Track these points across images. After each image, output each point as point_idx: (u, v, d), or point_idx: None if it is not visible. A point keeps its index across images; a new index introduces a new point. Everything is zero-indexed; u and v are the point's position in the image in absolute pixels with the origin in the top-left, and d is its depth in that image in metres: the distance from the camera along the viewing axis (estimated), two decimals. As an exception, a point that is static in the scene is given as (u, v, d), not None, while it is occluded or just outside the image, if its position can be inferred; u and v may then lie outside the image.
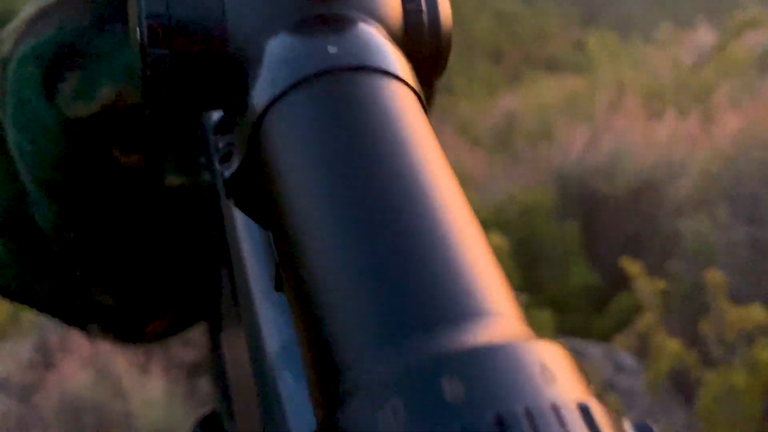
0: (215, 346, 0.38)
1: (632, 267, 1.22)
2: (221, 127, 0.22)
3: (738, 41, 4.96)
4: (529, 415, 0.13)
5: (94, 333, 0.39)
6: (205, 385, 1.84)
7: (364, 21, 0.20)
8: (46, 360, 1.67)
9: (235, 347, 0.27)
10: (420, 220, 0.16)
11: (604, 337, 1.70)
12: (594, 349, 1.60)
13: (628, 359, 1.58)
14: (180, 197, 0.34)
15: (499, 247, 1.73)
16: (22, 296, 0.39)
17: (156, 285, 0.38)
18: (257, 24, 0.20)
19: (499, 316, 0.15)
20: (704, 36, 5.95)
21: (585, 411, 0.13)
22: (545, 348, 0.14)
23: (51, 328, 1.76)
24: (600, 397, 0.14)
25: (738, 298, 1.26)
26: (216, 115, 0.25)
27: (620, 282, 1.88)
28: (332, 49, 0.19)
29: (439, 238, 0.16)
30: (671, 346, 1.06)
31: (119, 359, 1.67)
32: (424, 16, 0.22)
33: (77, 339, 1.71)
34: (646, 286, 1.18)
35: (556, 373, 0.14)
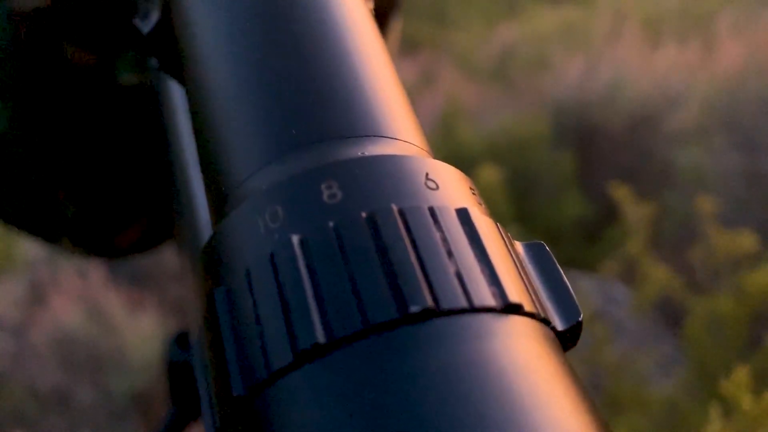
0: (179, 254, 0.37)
1: (621, 192, 1.20)
2: None
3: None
4: (402, 213, 0.13)
5: (66, 247, 0.39)
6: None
7: None
8: (38, 297, 1.67)
9: (180, 240, 0.27)
10: (320, 46, 0.16)
11: (597, 267, 1.70)
12: (586, 281, 1.60)
13: (620, 291, 1.58)
14: (137, 97, 0.33)
15: (492, 179, 1.71)
16: None
17: (119, 191, 0.37)
18: None
19: (396, 140, 0.15)
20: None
21: (463, 214, 0.13)
22: (436, 164, 0.14)
23: (42, 267, 1.76)
24: (486, 212, 0.14)
25: (730, 226, 1.25)
26: None
27: (614, 213, 1.87)
28: None
29: (340, 63, 0.16)
30: (658, 272, 1.05)
31: (111, 296, 1.67)
32: None
33: (69, 276, 1.71)
34: (634, 211, 1.17)
35: (440, 183, 0.14)
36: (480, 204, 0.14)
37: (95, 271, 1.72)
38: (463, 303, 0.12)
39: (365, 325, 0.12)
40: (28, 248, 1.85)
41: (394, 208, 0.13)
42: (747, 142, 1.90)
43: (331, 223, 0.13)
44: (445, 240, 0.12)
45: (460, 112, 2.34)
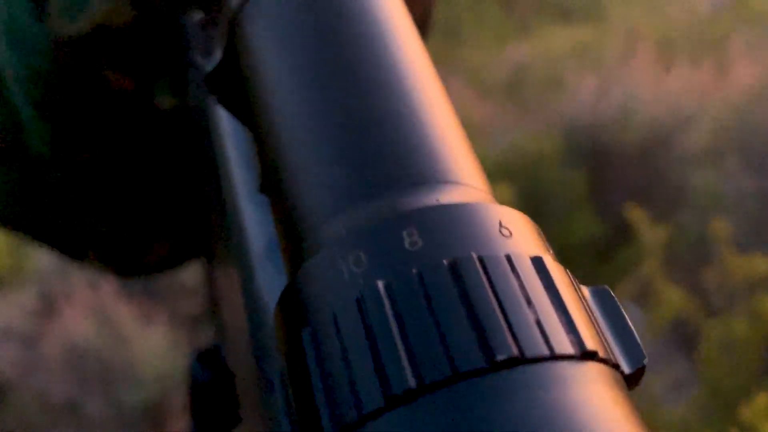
0: (208, 276, 0.38)
1: (636, 214, 1.20)
2: (203, 24, 0.23)
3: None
4: (482, 262, 0.13)
5: (95, 266, 0.40)
6: (208, 334, 1.85)
7: None
8: (49, 308, 1.68)
9: (224, 267, 0.27)
10: (389, 90, 0.17)
11: (609, 287, 1.70)
12: (598, 300, 1.59)
13: (632, 310, 1.57)
14: (172, 120, 0.34)
15: (505, 197, 1.71)
16: (20, 225, 0.39)
17: (149, 211, 0.38)
18: None
19: (465, 185, 0.16)
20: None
21: (538, 263, 0.14)
22: (507, 211, 0.15)
23: (54, 277, 1.76)
24: (556, 258, 0.15)
25: (745, 249, 1.24)
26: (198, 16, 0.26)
27: (627, 233, 1.86)
28: None
29: (408, 109, 0.16)
30: (673, 294, 1.05)
31: (123, 308, 1.67)
32: None
33: (81, 288, 1.71)
34: (648, 233, 1.17)
35: (513, 231, 0.15)
36: (548, 250, 0.15)
37: (106, 283, 1.73)
38: (545, 351, 0.13)
39: (454, 371, 0.12)
40: (39, 259, 1.86)
41: (474, 256, 0.13)
42: (761, 164, 1.89)
43: (414, 270, 0.13)
44: (523, 288, 0.13)
45: (472, 130, 2.35)
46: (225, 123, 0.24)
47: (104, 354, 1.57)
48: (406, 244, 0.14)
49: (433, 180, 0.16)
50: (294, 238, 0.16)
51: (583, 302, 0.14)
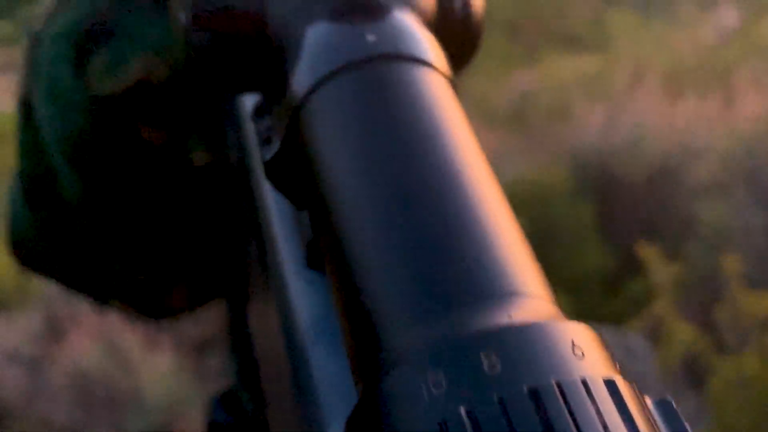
0: (235, 323, 0.38)
1: (647, 251, 1.20)
2: (260, 110, 0.23)
3: (761, 23, 4.88)
4: (561, 387, 0.14)
5: (116, 307, 0.40)
6: (213, 361, 1.85)
7: (399, 8, 0.21)
8: (54, 333, 1.68)
9: (263, 323, 0.28)
10: (456, 202, 0.17)
11: (617, 320, 1.69)
12: (606, 333, 1.59)
13: (640, 344, 1.56)
14: (203, 173, 0.35)
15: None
16: (46, 268, 0.40)
17: (174, 257, 0.39)
18: (295, 9, 0.21)
19: (532, 296, 0.16)
20: (727, 16, 5.86)
21: (611, 386, 0.14)
22: (576, 328, 0.15)
23: (59, 301, 1.76)
24: (624, 374, 0.16)
25: (754, 283, 1.24)
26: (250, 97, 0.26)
27: (635, 265, 1.86)
28: (370, 38, 0.20)
29: (475, 220, 0.17)
30: (684, 331, 1.04)
31: (128, 334, 1.67)
32: (456, 2, 0.23)
33: (86, 312, 1.71)
34: (660, 271, 1.17)
35: (585, 350, 0.15)
36: (616, 365, 0.15)
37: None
38: None
39: None
40: (45, 283, 1.86)
41: (554, 382, 0.14)
42: (768, 197, 1.90)
43: (496, 396, 0.13)
44: (599, 413, 0.14)
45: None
46: (272, 197, 0.24)
47: (110, 379, 1.57)
48: (485, 367, 0.14)
49: (504, 293, 0.16)
50: (364, 347, 0.16)
51: (653, 421, 0.15)
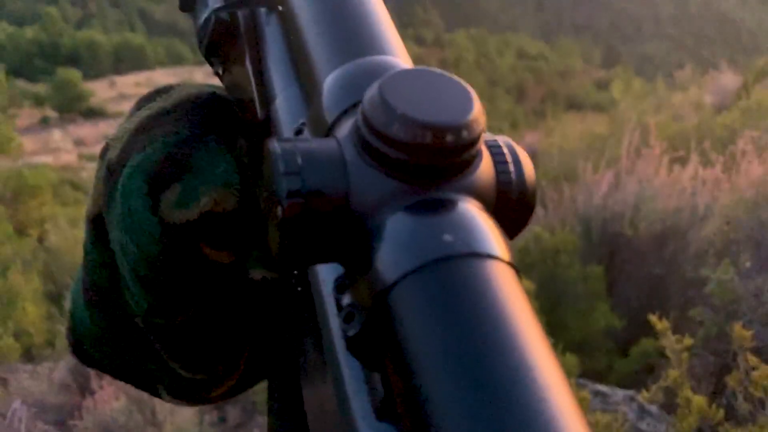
0: (281, 410, 0.40)
1: (659, 323, 1.24)
2: (342, 287, 0.25)
3: (761, 86, 4.97)
4: None
5: (164, 398, 0.41)
6: (233, 414, 1.87)
7: (467, 202, 0.23)
8: (81, 385, 1.71)
9: None
10: (522, 384, 0.20)
11: (628, 379, 1.72)
12: (619, 394, 1.62)
13: (658, 416, 1.58)
14: (260, 287, 0.38)
15: (525, 288, 1.75)
16: (103, 367, 0.42)
17: (227, 356, 0.40)
18: (376, 201, 0.24)
19: None
20: (727, 79, 5.98)
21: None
22: None
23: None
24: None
25: (763, 348, 1.28)
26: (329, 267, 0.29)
27: (643, 325, 1.89)
28: (447, 238, 0.22)
29: (537, 399, 0.19)
30: (697, 401, 1.08)
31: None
32: (513, 184, 0.25)
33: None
34: (672, 342, 1.21)
35: None
36: None
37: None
38: None
39: None
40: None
41: None
42: (773, 261, 1.93)
43: None
44: None
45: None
46: (344, 356, 0.26)
47: (134, 431, 1.60)
48: None
49: None
50: None
51: None
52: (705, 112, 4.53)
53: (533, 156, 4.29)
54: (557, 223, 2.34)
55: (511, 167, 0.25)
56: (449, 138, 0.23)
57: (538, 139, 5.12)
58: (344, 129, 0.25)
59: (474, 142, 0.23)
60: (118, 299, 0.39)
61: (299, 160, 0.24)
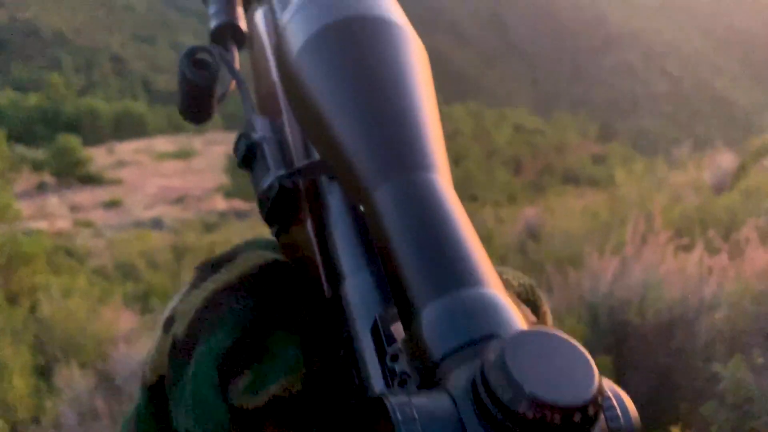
0: None
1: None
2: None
3: (758, 166, 5.01)
4: None
5: None
6: None
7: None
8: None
9: None
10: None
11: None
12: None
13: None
14: None
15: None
16: None
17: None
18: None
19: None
20: (724, 158, 6.03)
21: None
22: None
23: (73, 421, 1.74)
24: None
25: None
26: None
27: (653, 417, 1.85)
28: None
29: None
30: None
31: None
32: (623, 430, 0.25)
33: (114, 406, 1.69)
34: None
35: None
36: None
37: None
38: None
39: None
40: (58, 406, 1.85)
41: None
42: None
43: None
44: None
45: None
46: None
47: None
48: None
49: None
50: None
51: None
52: (705, 192, 4.56)
53: (534, 234, 4.28)
54: (563, 308, 2.31)
55: (620, 415, 0.25)
56: (577, 417, 0.23)
57: (536, 213, 5.14)
58: (457, 382, 0.25)
59: (597, 415, 0.23)
60: None
61: (415, 414, 0.24)
